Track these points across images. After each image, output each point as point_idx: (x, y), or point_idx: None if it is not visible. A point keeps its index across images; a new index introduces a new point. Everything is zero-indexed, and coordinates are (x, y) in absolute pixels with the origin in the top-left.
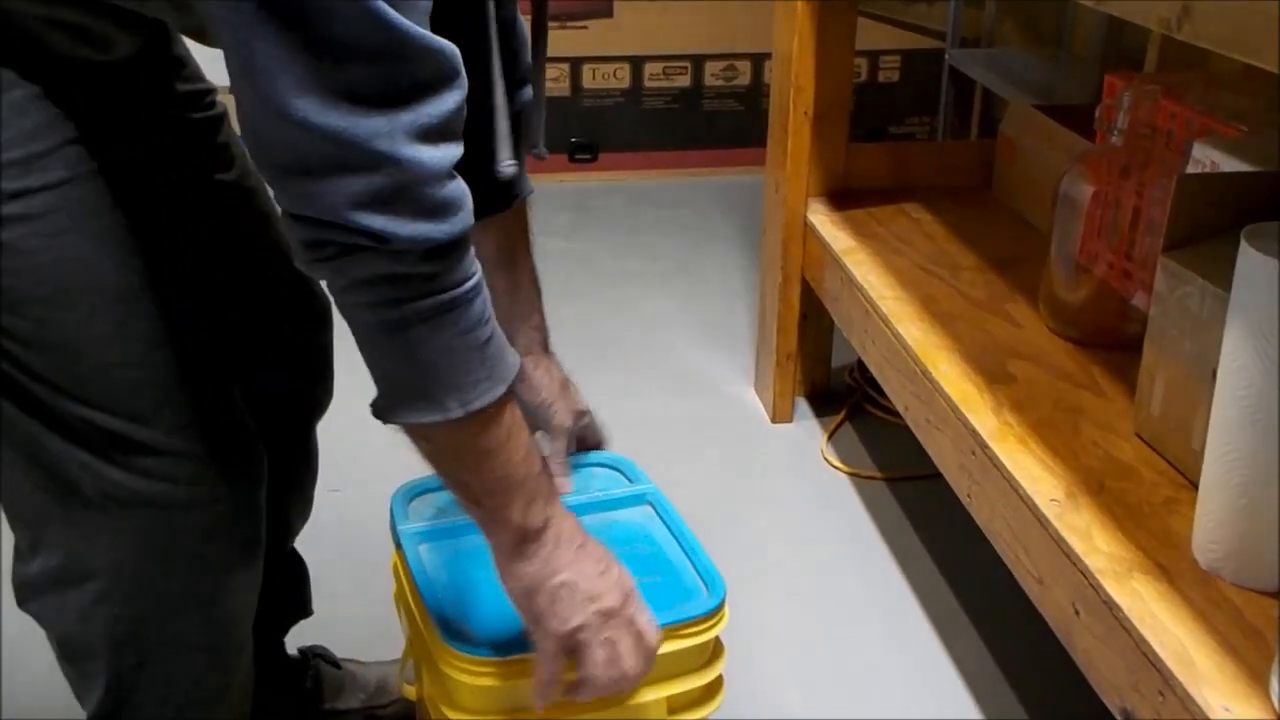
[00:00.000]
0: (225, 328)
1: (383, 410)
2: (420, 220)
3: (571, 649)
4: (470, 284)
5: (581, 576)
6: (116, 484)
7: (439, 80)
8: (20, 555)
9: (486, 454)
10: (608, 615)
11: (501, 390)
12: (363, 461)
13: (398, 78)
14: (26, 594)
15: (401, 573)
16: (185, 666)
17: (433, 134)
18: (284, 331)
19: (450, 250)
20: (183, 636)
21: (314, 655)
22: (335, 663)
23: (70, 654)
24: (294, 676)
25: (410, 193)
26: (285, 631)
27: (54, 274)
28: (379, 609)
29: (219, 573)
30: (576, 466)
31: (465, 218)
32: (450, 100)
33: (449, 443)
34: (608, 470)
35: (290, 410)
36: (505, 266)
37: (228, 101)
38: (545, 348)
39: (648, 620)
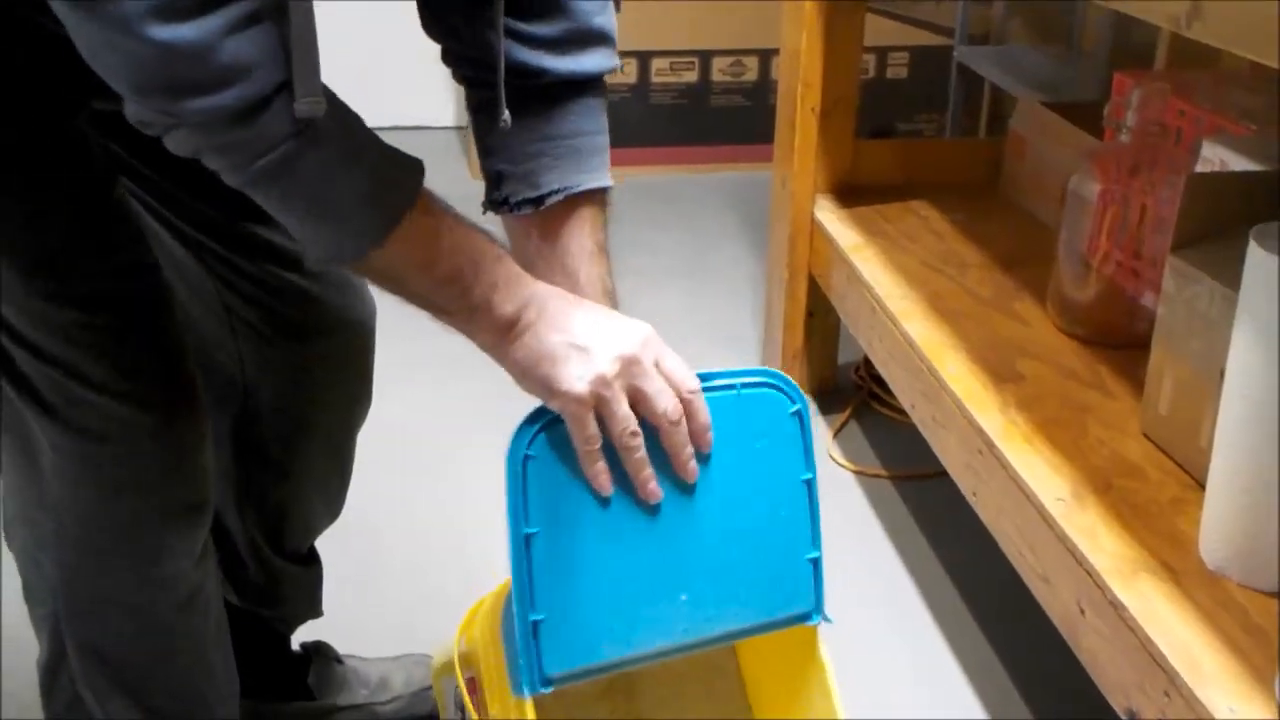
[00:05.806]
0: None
1: (306, 258)
2: (200, 97)
3: (597, 405)
4: (300, 135)
5: (583, 330)
6: (54, 432)
7: None
8: (7, 491)
9: (421, 266)
10: (629, 362)
11: (396, 219)
12: (364, 460)
13: None
14: (9, 530)
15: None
16: (117, 624)
17: (173, 11)
18: (326, 337)
19: (255, 113)
20: (113, 592)
21: (316, 651)
22: (337, 659)
23: (28, 598)
24: (296, 672)
25: (176, 73)
26: (294, 629)
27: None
28: (380, 606)
29: (152, 532)
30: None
31: (261, 78)
32: None
33: (374, 269)
34: (763, 389)
35: (328, 414)
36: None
37: None
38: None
39: (676, 363)
